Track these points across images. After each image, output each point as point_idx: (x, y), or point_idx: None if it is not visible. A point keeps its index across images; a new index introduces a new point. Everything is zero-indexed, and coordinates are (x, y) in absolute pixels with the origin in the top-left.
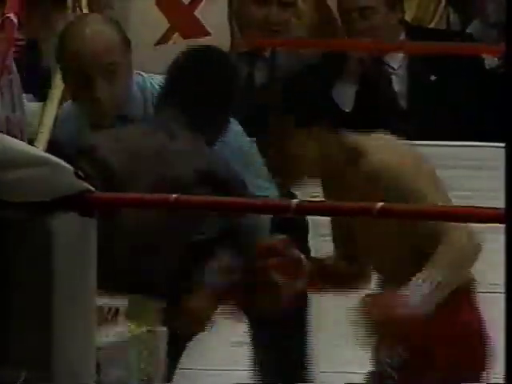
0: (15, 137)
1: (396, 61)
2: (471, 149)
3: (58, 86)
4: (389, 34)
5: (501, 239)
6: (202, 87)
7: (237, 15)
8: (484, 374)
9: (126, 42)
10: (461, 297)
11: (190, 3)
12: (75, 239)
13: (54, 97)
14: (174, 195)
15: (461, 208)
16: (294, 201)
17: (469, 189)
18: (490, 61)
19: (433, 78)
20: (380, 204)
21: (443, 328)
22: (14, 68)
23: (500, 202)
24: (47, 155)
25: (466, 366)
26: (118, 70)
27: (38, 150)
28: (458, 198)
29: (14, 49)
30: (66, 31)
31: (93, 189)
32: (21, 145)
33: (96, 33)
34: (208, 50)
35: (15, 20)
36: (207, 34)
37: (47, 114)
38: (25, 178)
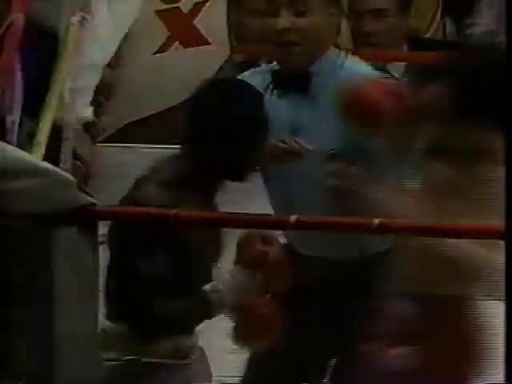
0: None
1: (397, 71)
2: None
3: (54, 94)
4: (396, 39)
5: None
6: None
7: (234, 26)
8: None
9: None
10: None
11: (189, 12)
12: (78, 249)
13: (51, 104)
14: (174, 210)
15: (460, 224)
16: (293, 216)
17: None
18: None
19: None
20: (378, 220)
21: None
22: (19, 68)
23: None
24: (49, 166)
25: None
26: None
27: (40, 161)
28: None
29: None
30: None
31: (95, 202)
32: (22, 154)
33: None
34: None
35: (21, 21)
36: (206, 43)
37: (44, 120)
38: (25, 188)
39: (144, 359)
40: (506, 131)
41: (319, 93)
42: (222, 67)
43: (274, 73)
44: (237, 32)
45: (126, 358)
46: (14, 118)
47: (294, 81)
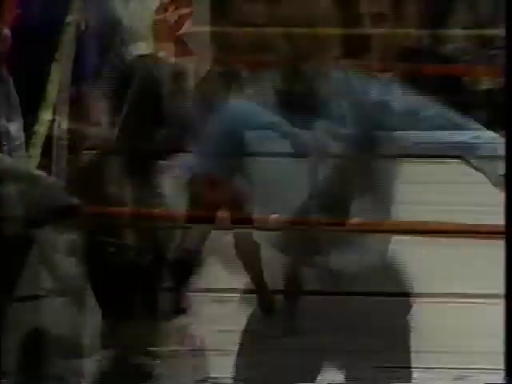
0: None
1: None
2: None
3: (51, 97)
4: (390, 45)
5: None
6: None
7: (217, 36)
8: None
9: None
10: None
11: (174, 23)
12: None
13: (49, 106)
14: (159, 209)
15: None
16: (274, 216)
17: (465, 203)
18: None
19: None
20: (356, 219)
21: None
22: (10, 79)
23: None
24: (37, 171)
25: None
26: None
27: (28, 165)
28: (459, 213)
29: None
30: None
31: (80, 203)
32: (9, 160)
33: None
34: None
35: (8, 33)
36: (191, 53)
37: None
38: (14, 192)
39: (144, 355)
40: (506, 131)
41: (325, 109)
42: (204, 77)
43: (277, 94)
44: (219, 42)
45: (126, 355)
46: (17, 126)
47: (300, 101)
